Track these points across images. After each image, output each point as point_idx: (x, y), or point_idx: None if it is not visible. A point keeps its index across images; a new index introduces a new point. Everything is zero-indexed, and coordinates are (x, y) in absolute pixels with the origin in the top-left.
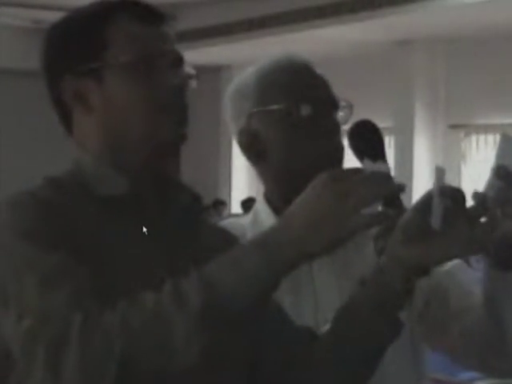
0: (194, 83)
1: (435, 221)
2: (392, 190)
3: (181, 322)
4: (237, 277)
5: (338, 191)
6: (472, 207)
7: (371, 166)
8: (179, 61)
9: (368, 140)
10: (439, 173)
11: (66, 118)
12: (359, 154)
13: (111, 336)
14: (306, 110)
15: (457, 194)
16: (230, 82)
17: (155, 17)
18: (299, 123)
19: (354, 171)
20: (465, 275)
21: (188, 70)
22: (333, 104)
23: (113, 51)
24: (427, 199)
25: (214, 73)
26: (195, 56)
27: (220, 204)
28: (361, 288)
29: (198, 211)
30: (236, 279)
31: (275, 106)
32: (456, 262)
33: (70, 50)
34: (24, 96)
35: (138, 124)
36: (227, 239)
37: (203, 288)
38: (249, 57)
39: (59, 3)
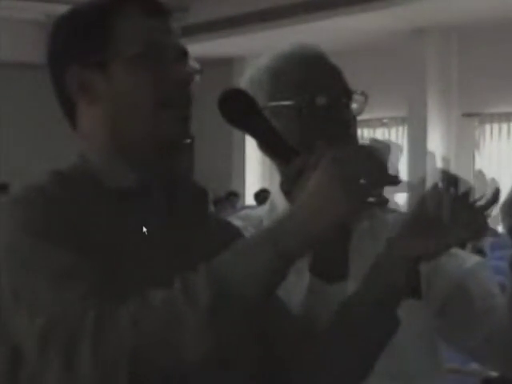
0: (198, 78)
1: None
2: (389, 181)
3: (191, 318)
4: (245, 269)
5: (338, 175)
6: (469, 191)
7: (378, 144)
8: (184, 55)
9: (238, 108)
10: (431, 158)
11: (70, 111)
12: (233, 123)
13: (123, 335)
14: (317, 105)
15: (454, 179)
16: (243, 73)
17: (161, 10)
18: (311, 118)
19: (356, 153)
20: (485, 274)
21: (193, 64)
22: (346, 95)
23: (120, 43)
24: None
25: (226, 65)
26: (208, 48)
27: (234, 196)
28: (361, 284)
29: (204, 204)
30: (244, 272)
31: (287, 102)
32: (476, 260)
33: (77, 41)
34: (37, 89)
35: (141, 117)
36: (231, 232)
37: (212, 283)
38: (262, 48)
39: None
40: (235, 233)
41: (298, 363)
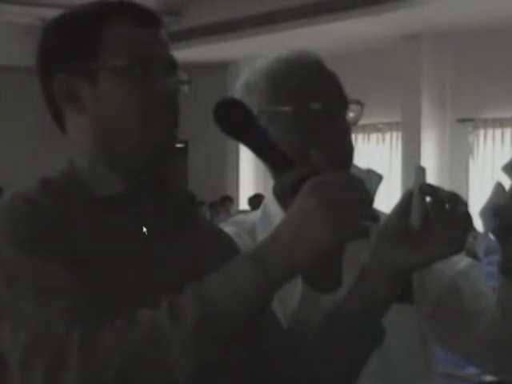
0: (186, 88)
1: (414, 219)
2: (370, 215)
3: (177, 340)
4: (231, 293)
5: (321, 202)
6: (452, 205)
7: (359, 172)
8: (173, 66)
9: (233, 118)
10: (419, 172)
11: (59, 117)
12: (230, 134)
13: (109, 354)
14: (314, 112)
15: (436, 192)
16: (237, 78)
17: (151, 20)
18: (309, 125)
19: (339, 180)
20: (477, 275)
21: (181, 74)
22: (343, 104)
23: (108, 53)
24: (405, 200)
25: (221, 69)
26: (202, 52)
27: (228, 200)
28: (347, 294)
29: (191, 211)
30: (230, 296)
31: (285, 108)
32: (468, 261)
33: (65, 49)
34: (35, 93)
35: (128, 128)
36: (221, 238)
37: (198, 306)
38: (256, 52)
39: (67, 2)
40: (224, 238)
41: (285, 372)
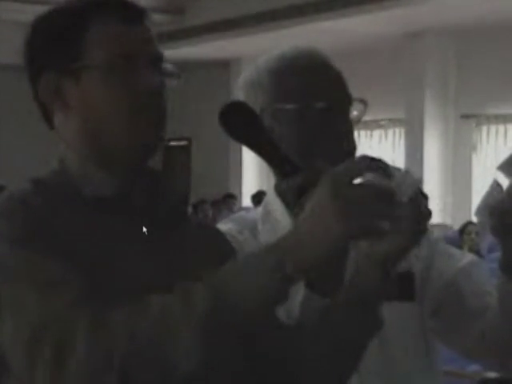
0: (174, 82)
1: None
2: (390, 215)
3: (186, 328)
4: (244, 286)
5: (332, 194)
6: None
7: (374, 179)
8: (159, 60)
9: (239, 121)
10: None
11: (48, 115)
12: (235, 137)
13: (115, 341)
14: (319, 110)
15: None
16: (240, 75)
17: (136, 16)
18: (312, 123)
19: (358, 186)
20: (479, 272)
21: (169, 68)
22: (347, 102)
23: (91, 52)
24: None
25: (223, 67)
26: (205, 50)
27: (230, 198)
28: (343, 289)
29: (184, 210)
30: (243, 288)
31: (289, 106)
32: (470, 258)
33: (50, 48)
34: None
35: (114, 125)
36: (214, 238)
37: (210, 296)
38: (258, 50)
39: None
40: (218, 237)
41: (282, 364)
